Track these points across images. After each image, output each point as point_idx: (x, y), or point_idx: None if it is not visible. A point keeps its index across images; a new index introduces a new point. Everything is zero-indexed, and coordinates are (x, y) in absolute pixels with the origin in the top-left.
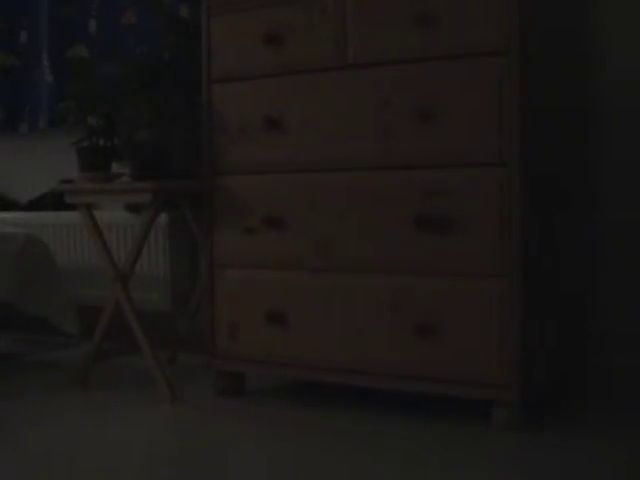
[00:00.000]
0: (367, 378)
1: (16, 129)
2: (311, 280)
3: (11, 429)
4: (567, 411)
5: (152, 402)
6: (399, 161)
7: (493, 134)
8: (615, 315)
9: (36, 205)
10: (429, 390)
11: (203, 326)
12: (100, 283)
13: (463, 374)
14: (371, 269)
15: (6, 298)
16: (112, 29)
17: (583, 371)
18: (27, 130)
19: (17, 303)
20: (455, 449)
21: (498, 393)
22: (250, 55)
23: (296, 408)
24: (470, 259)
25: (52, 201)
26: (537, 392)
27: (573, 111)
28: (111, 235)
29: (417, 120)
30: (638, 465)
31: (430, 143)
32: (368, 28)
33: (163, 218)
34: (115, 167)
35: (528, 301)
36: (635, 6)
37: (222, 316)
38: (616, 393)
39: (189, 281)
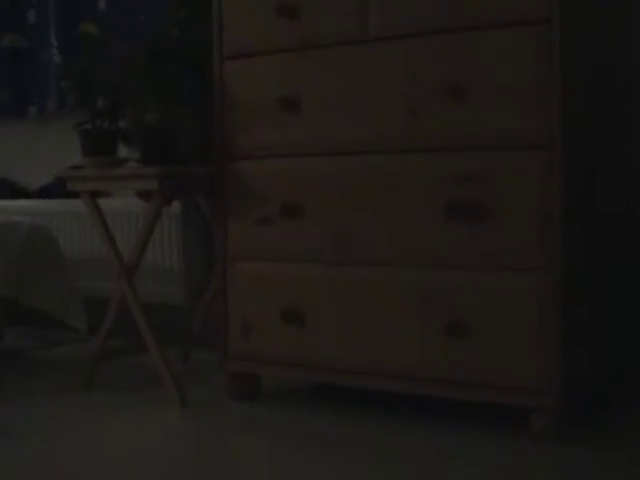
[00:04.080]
0: (391, 381)
1: (25, 113)
2: (331, 274)
3: (11, 432)
4: (612, 420)
5: (160, 405)
6: (427, 143)
7: (533, 112)
8: None
9: (45, 193)
10: (459, 396)
11: (216, 323)
12: (110, 275)
13: (497, 378)
14: (396, 262)
15: (9, 292)
16: (122, 5)
17: (632, 375)
18: (36, 114)
19: (20, 297)
20: (486, 461)
21: (535, 399)
22: (264, 29)
23: (314, 413)
24: (506, 252)
25: (62, 188)
26: (579, 398)
27: (626, 87)
28: (124, 224)
29: (447, 97)
30: None
31: (462, 123)
32: None
33: (176, 206)
34: (125, 152)
35: (570, 299)
36: None
37: (235, 313)
38: None
39: (204, 273)
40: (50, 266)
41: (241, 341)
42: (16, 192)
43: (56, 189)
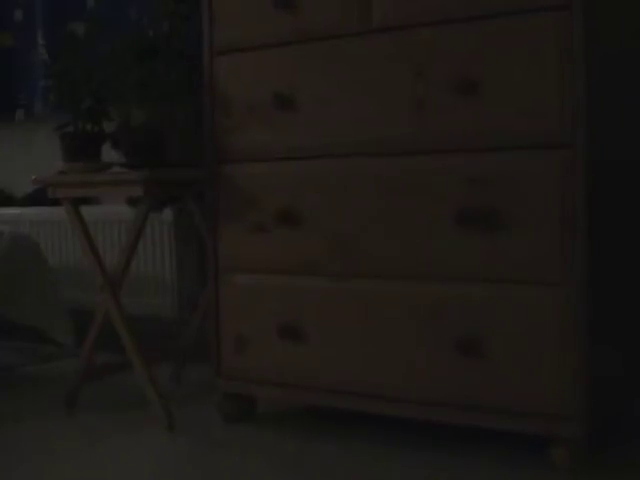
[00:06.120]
0: (396, 406)
1: (12, 117)
2: (332, 287)
3: None
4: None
5: (147, 429)
6: (436, 144)
7: (552, 108)
8: None
9: (32, 200)
10: (471, 422)
11: (209, 338)
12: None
13: (514, 403)
14: (402, 274)
15: None
16: (112, 1)
17: None
18: (24, 117)
19: (2, 310)
20: None
21: (557, 426)
22: (258, 20)
23: (314, 437)
24: (523, 263)
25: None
26: (605, 425)
27: None
28: (115, 233)
29: (458, 93)
30: None
31: (474, 121)
32: None
33: (168, 213)
34: (115, 156)
35: (596, 315)
36: None
37: (228, 328)
38: None
39: (197, 283)
40: (34, 277)
41: (234, 359)
42: (1, 200)
43: (43, 196)
